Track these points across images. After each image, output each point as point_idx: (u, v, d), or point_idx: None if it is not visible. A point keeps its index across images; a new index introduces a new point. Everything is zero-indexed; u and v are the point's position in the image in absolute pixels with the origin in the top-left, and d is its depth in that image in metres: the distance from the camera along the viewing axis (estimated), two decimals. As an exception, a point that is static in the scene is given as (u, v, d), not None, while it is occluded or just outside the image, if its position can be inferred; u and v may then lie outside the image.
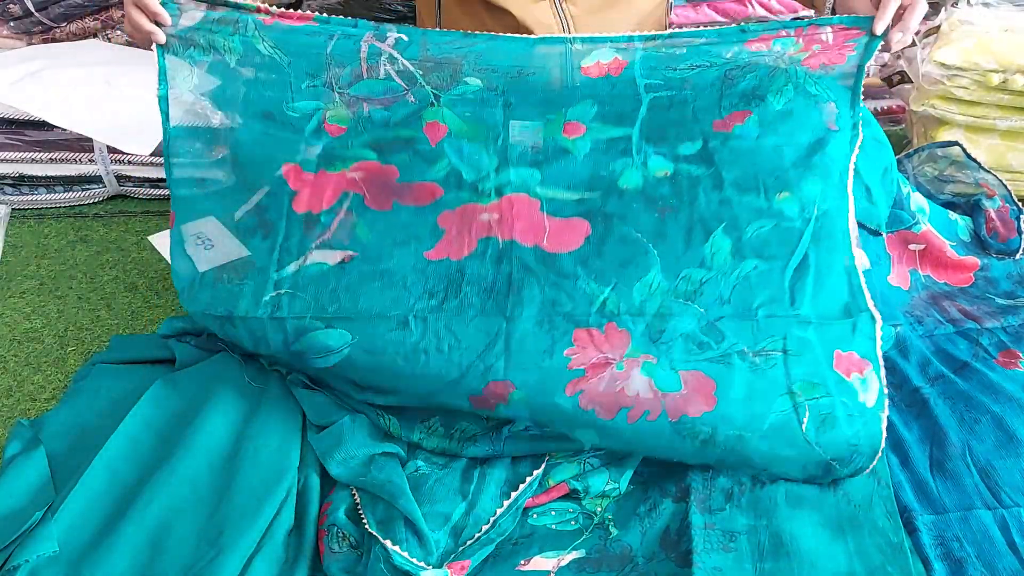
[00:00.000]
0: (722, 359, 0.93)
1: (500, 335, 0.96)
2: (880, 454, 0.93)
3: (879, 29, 1.01)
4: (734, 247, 0.97)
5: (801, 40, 1.05)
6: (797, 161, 1.02)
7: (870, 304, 0.97)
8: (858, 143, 1.05)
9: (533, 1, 1.24)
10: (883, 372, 0.95)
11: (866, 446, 0.92)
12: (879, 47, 1.06)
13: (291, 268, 1.03)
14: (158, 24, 1.07)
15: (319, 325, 1.00)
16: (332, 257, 1.03)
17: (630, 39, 1.06)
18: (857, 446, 0.91)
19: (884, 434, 0.93)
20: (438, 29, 1.11)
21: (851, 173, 1.04)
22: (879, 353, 0.95)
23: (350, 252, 1.03)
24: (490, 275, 0.99)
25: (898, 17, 1.02)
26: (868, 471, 0.93)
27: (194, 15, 1.10)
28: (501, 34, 1.07)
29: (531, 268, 0.99)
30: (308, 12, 1.10)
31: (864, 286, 0.98)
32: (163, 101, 1.12)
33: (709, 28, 1.09)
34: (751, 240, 0.97)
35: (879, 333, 0.96)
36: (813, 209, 0.99)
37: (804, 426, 0.90)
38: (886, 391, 0.94)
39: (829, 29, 1.04)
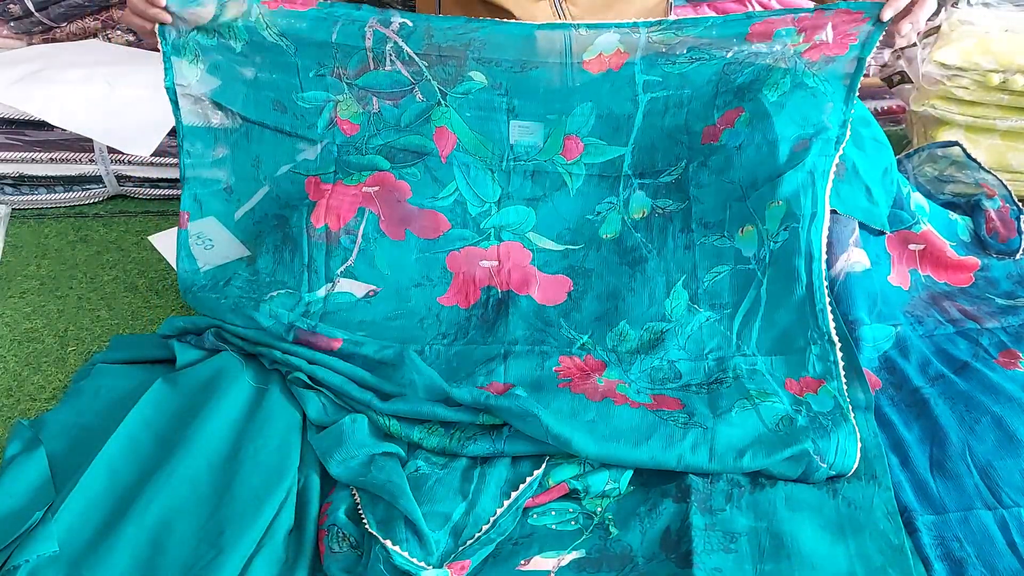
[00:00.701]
0: (681, 389, 1.05)
1: (499, 356, 1.08)
2: (860, 444, 0.94)
3: (887, 15, 1.03)
4: (691, 299, 1.11)
5: (803, 33, 1.06)
6: (776, 165, 1.08)
7: (831, 328, 1.04)
8: (844, 142, 1.07)
9: (533, 1, 1.24)
10: (844, 383, 1.01)
11: (842, 435, 0.94)
12: (884, 40, 1.07)
13: (321, 293, 1.14)
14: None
15: (344, 336, 1.10)
16: (359, 289, 1.16)
17: (635, 25, 1.07)
18: (828, 437, 0.94)
19: (855, 427, 0.96)
20: (441, 15, 1.13)
21: (832, 174, 1.09)
22: (840, 370, 1.02)
23: (374, 287, 1.15)
24: (491, 318, 1.14)
25: (907, 11, 1.02)
26: (866, 473, 0.93)
27: (202, 13, 1.09)
28: (504, 20, 1.11)
29: (524, 313, 1.13)
30: None
31: (829, 308, 1.05)
32: (171, 92, 1.13)
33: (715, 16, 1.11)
34: (707, 291, 1.11)
35: (840, 355, 1.03)
36: (771, 243, 1.08)
37: (765, 422, 0.97)
38: (847, 395, 1.00)
39: (830, 24, 1.05)
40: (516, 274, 1.16)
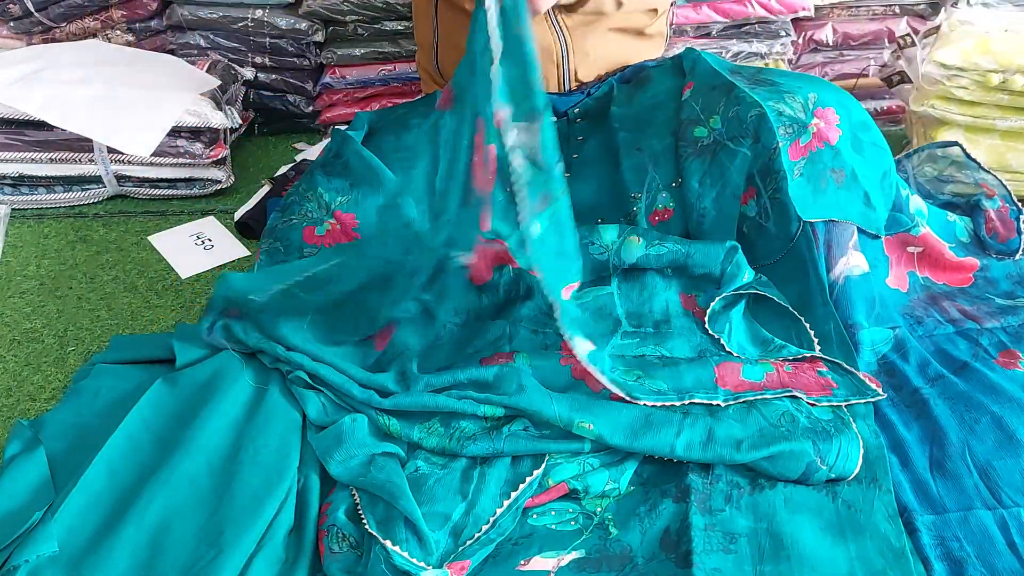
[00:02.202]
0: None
1: (505, 334, 1.11)
2: (863, 445, 0.94)
3: None
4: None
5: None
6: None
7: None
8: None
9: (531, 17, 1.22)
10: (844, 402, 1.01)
11: (844, 439, 0.94)
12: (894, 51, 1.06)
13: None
14: None
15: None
16: None
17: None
18: (830, 440, 0.93)
19: (858, 433, 0.95)
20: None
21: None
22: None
23: None
24: (501, 296, 1.16)
25: None
26: (866, 475, 0.93)
27: None
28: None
29: (532, 292, 1.14)
30: None
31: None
32: None
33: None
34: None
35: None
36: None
37: (767, 416, 0.97)
38: (846, 410, 0.99)
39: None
40: None
